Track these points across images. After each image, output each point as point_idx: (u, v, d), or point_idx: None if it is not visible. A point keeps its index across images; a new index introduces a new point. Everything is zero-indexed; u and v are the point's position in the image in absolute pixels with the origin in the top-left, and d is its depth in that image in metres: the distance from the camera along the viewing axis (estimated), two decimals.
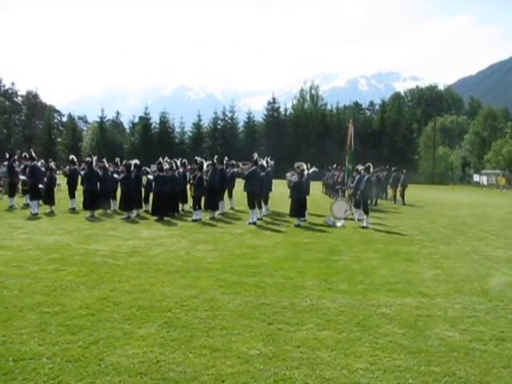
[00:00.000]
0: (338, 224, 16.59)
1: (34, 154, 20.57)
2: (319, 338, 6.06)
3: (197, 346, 5.72)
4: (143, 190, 18.96)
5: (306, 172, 17.07)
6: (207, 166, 18.40)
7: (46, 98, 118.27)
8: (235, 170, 21.46)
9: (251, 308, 7.14)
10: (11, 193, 21.32)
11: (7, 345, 5.67)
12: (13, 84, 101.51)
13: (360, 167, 18.37)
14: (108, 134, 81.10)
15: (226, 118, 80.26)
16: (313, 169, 19.49)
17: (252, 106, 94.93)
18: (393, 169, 30.62)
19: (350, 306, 7.37)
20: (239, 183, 20.06)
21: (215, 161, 18.74)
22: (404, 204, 26.70)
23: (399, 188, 28.21)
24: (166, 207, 17.33)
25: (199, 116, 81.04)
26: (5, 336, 5.92)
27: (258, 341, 5.90)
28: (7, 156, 23.85)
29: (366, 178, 17.05)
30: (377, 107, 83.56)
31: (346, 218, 17.36)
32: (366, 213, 16.64)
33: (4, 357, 5.34)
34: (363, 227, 16.13)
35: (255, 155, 17.77)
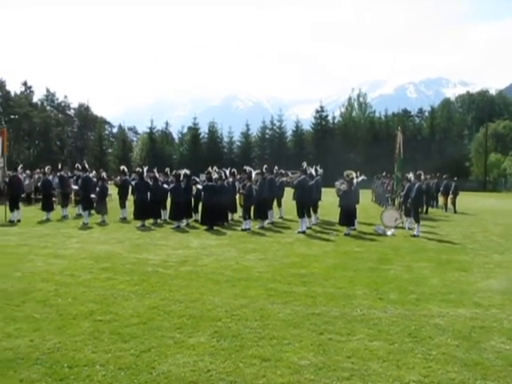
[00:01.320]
0: (388, 233, 16.38)
1: (86, 166, 21.02)
2: (370, 348, 5.98)
3: (247, 355, 5.71)
4: (193, 199, 19.11)
5: (355, 180, 16.92)
6: (256, 175, 18.41)
7: (97, 110, 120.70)
8: (284, 179, 21.41)
9: (301, 318, 7.10)
10: (64, 203, 21.81)
11: (62, 351, 5.79)
12: (65, 97, 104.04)
13: (410, 175, 18.12)
14: (157, 145, 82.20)
15: (274, 127, 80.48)
16: (362, 177, 19.32)
17: (300, 114, 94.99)
18: (443, 176, 30.04)
19: (402, 316, 7.25)
20: (288, 192, 20.03)
21: (264, 170, 18.74)
22: (455, 212, 26.15)
23: (450, 196, 27.64)
24: (216, 217, 17.41)
25: (247, 125, 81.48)
26: (60, 343, 6.05)
27: (309, 351, 5.86)
28: (60, 167, 24.47)
29: (416, 185, 16.81)
30: (426, 114, 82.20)
31: (396, 227, 17.11)
32: (417, 221, 16.38)
33: (59, 363, 5.45)
34: (414, 236, 15.87)
35: (304, 164, 17.70)
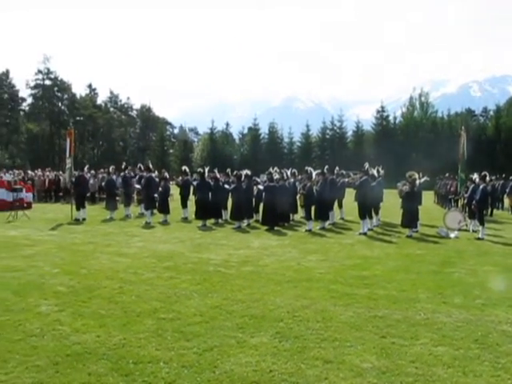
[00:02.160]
0: (452, 235, 16.03)
1: (151, 166, 21.41)
2: (435, 353, 5.86)
3: (309, 357, 5.69)
4: (254, 200, 19.20)
5: (417, 181, 16.65)
6: (317, 175, 18.33)
7: (159, 111, 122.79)
8: (346, 179, 21.25)
9: (363, 320, 7.03)
10: (127, 202, 22.26)
11: (127, 348, 5.91)
12: (128, 99, 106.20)
13: (475, 176, 17.69)
14: (218, 145, 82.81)
15: (335, 128, 79.93)
16: (424, 178, 18.98)
17: (360, 114, 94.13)
18: (510, 177, 29.20)
19: (467, 321, 7.07)
20: (349, 193, 19.87)
21: (325, 170, 18.65)
22: None
23: None
24: (276, 217, 17.43)
25: (307, 126, 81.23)
26: (125, 339, 6.18)
27: (371, 354, 5.80)
28: (123, 167, 25.00)
29: (481, 187, 16.39)
30: (491, 113, 79.77)
31: (459, 229, 16.72)
32: (482, 224, 15.97)
33: (125, 359, 5.57)
34: (478, 239, 15.48)
35: (366, 165, 17.52)
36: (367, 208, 16.87)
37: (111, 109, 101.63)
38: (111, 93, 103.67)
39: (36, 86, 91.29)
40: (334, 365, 5.48)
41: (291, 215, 19.46)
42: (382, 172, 20.21)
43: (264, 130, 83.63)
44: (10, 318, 6.97)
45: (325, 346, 6.04)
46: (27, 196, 25.77)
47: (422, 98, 78.09)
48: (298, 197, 19.76)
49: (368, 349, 5.95)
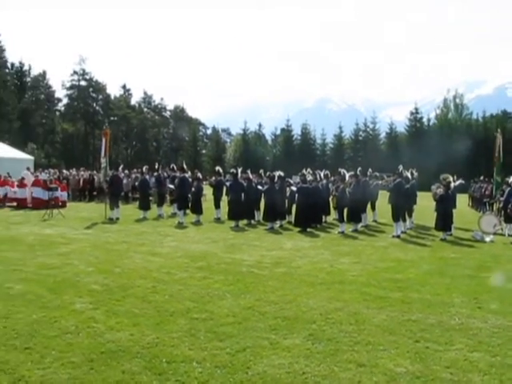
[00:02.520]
0: (487, 239, 15.78)
1: (185, 166, 21.54)
2: (470, 359, 5.76)
3: (342, 359, 5.66)
4: (286, 201, 19.17)
5: (452, 184, 16.45)
6: (350, 177, 18.23)
7: (192, 112, 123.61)
8: (380, 182, 21.09)
9: (397, 324, 6.97)
10: (160, 202, 22.42)
11: (160, 347, 5.95)
12: (162, 99, 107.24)
13: (511, 179, 17.41)
14: (250, 146, 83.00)
15: (368, 129, 79.53)
16: (459, 181, 18.75)
17: (394, 116, 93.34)
18: None
19: (504, 327, 6.94)
20: (383, 195, 19.73)
21: (358, 172, 18.53)
22: None
23: None
24: (309, 219, 17.38)
25: (340, 127, 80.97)
26: (158, 338, 6.22)
27: (405, 358, 5.73)
28: (157, 167, 25.22)
29: None
30: None
31: (495, 233, 16.46)
32: None
33: (158, 358, 5.61)
34: None
35: (400, 167, 17.37)
36: (401, 210, 16.71)
37: (145, 109, 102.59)
38: (145, 93, 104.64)
39: (71, 87, 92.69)
40: (368, 368, 5.43)
41: (324, 217, 19.39)
42: (415, 174, 20.02)
43: (297, 131, 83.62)
44: (46, 314, 7.08)
45: (358, 349, 6.00)
46: (62, 195, 26.16)
47: (457, 100, 77.06)
48: (330, 198, 19.67)
49: (402, 353, 5.89)
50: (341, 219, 17.30)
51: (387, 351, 5.94)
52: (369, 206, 19.77)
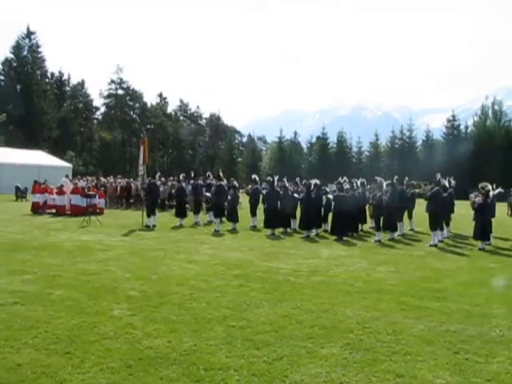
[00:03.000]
0: None
1: (221, 174, 21.64)
2: None
3: (380, 369, 5.60)
4: (323, 209, 19.10)
5: (491, 193, 16.18)
6: (387, 185, 18.08)
7: (228, 120, 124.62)
8: (417, 190, 20.86)
9: (435, 334, 6.86)
10: (196, 210, 22.56)
11: (198, 354, 5.98)
12: (198, 107, 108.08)
13: None
14: (286, 154, 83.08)
15: (404, 137, 78.89)
16: (498, 189, 18.44)
17: (430, 123, 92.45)
18: None
19: None
20: (419, 204, 19.53)
21: (395, 181, 18.37)
22: None
23: None
24: (346, 227, 17.29)
25: (376, 135, 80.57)
26: (195, 345, 6.25)
27: (444, 370, 5.64)
28: (193, 175, 25.39)
29: None
30: None
31: None
32: None
33: (195, 365, 5.63)
34: None
35: (438, 175, 17.15)
36: (439, 219, 16.51)
37: (181, 117, 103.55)
38: (181, 102, 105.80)
39: (109, 96, 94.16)
40: (406, 379, 5.36)
41: (360, 225, 19.26)
42: (453, 182, 19.78)
43: (332, 139, 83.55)
44: (85, 320, 7.18)
45: (396, 359, 5.93)
46: (100, 202, 26.55)
47: (495, 107, 75.79)
48: (367, 207, 19.55)
49: (441, 364, 5.80)
50: (377, 228, 17.17)
51: (426, 362, 5.85)
52: (405, 214, 19.57)
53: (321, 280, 10.34)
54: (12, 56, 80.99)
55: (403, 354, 6.11)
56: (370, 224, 20.04)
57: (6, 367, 5.49)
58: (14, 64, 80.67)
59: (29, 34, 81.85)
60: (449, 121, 75.68)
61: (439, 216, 16.49)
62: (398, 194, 17.93)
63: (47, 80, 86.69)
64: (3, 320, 7.13)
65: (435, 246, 15.73)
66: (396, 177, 19.06)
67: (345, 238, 16.99)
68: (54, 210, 26.60)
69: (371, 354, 6.06)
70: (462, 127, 75.40)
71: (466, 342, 6.60)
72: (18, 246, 14.42)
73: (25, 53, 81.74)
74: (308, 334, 6.74)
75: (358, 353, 6.10)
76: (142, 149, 21.57)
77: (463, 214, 21.18)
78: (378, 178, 18.83)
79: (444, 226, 17.58)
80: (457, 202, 19.94)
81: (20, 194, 39.81)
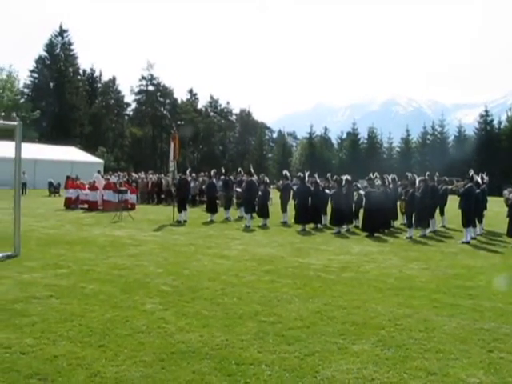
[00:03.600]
0: None
1: (252, 170, 21.68)
2: None
3: (412, 367, 5.56)
4: (354, 205, 19.02)
5: None
6: (419, 182, 17.90)
7: (258, 116, 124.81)
8: (450, 187, 20.62)
9: (468, 332, 6.79)
10: (227, 205, 22.63)
11: (229, 348, 6.01)
12: (228, 103, 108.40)
13: None
14: (316, 150, 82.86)
15: (436, 133, 78.06)
16: None
17: (462, 119, 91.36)
18: None
19: None
20: (451, 200, 19.33)
21: (427, 177, 18.19)
22: None
23: None
24: (377, 223, 17.19)
25: (407, 131, 79.85)
26: (227, 340, 6.28)
27: (478, 368, 5.57)
28: (223, 171, 25.47)
29: None
30: None
31: None
32: None
33: (227, 359, 5.66)
34: None
35: (471, 171, 16.92)
36: (472, 216, 16.31)
37: (211, 113, 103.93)
38: (211, 98, 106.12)
39: (140, 92, 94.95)
40: (439, 377, 5.31)
41: (391, 222, 19.12)
42: (486, 179, 19.51)
43: (363, 135, 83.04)
44: (118, 314, 7.26)
45: (428, 356, 5.89)
46: (131, 197, 26.77)
47: None
48: (398, 203, 19.40)
49: (474, 363, 5.73)
50: (409, 224, 17.02)
51: (459, 360, 5.79)
52: (437, 211, 19.38)
53: (352, 276, 10.31)
54: (45, 54, 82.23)
55: (435, 351, 6.06)
56: (401, 220, 19.89)
57: (43, 358, 5.60)
58: (48, 62, 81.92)
59: (61, 32, 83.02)
60: (481, 116, 74.57)
61: (472, 213, 16.29)
62: (430, 190, 17.77)
63: (79, 77, 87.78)
64: (39, 313, 7.26)
65: (468, 243, 15.55)
66: (428, 173, 18.89)
67: (376, 235, 16.89)
68: (86, 206, 26.91)
69: (403, 351, 6.03)
70: (495, 122, 74.15)
71: (500, 340, 6.52)
72: (51, 240, 14.64)
73: (58, 50, 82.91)
74: (339, 330, 6.73)
75: (389, 350, 6.07)
76: (172, 145, 21.71)
77: (496, 210, 20.90)
78: (409, 174, 18.68)
79: (477, 222, 17.36)
80: (490, 199, 19.68)
81: (53, 189, 40.38)
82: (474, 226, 16.92)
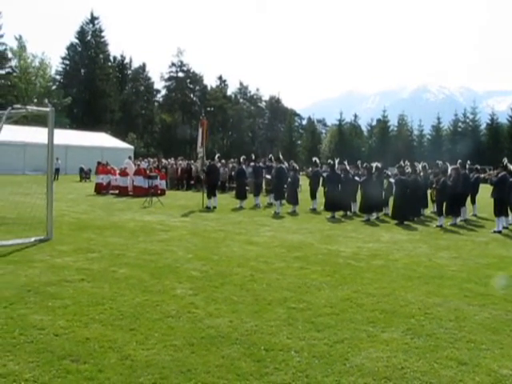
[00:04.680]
0: None
1: (281, 157, 21.65)
2: None
3: (442, 356, 5.51)
4: (383, 193, 18.88)
5: None
6: (451, 170, 17.67)
7: (287, 102, 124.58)
8: (482, 175, 20.34)
9: (500, 323, 6.70)
10: (256, 192, 22.65)
11: (259, 334, 6.03)
12: (257, 90, 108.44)
13: None
14: (346, 137, 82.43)
15: (467, 120, 77.05)
16: None
17: (495, 106, 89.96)
18: None
19: None
20: (483, 189, 19.08)
21: (458, 165, 17.98)
22: None
23: None
24: (407, 211, 17.04)
25: (438, 118, 78.96)
26: (256, 326, 6.30)
27: (510, 359, 5.48)
28: (253, 157, 25.48)
29: None
30: None
31: None
32: None
33: (256, 345, 5.68)
34: None
35: (505, 160, 16.63)
36: (504, 205, 16.07)
37: (241, 100, 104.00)
38: (241, 84, 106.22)
39: (170, 79, 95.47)
40: (470, 367, 5.25)
41: (422, 210, 18.94)
42: None
43: (393, 122, 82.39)
44: (148, 298, 7.33)
45: (459, 346, 5.83)
46: (161, 183, 26.99)
47: None
48: (429, 191, 19.20)
49: (506, 354, 5.64)
50: (440, 212, 16.84)
51: (490, 351, 5.72)
52: (468, 199, 19.13)
53: (381, 264, 10.25)
54: (77, 41, 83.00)
55: (466, 341, 6.00)
56: (431, 208, 19.70)
57: (76, 340, 5.68)
58: (79, 49, 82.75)
59: (92, 19, 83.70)
60: None
61: (505, 202, 16.05)
62: (462, 178, 17.55)
63: (110, 64, 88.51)
64: (71, 296, 7.37)
65: (499, 232, 15.34)
66: (459, 161, 18.66)
67: (406, 222, 16.75)
68: (116, 191, 27.20)
69: (433, 341, 5.98)
70: None
71: None
72: (82, 225, 14.83)
73: (89, 38, 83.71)
74: (369, 318, 6.70)
75: (419, 338, 6.03)
76: (200, 131, 21.75)
77: None
78: (440, 162, 18.47)
79: (509, 212, 17.10)
80: None
81: (84, 175, 40.85)
82: (507, 216, 16.67)
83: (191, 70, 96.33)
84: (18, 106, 14.04)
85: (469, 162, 20.51)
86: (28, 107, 14.25)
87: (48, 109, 12.98)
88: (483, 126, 76.88)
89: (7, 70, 74.26)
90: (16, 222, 14.20)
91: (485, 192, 17.71)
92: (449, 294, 8.01)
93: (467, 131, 75.65)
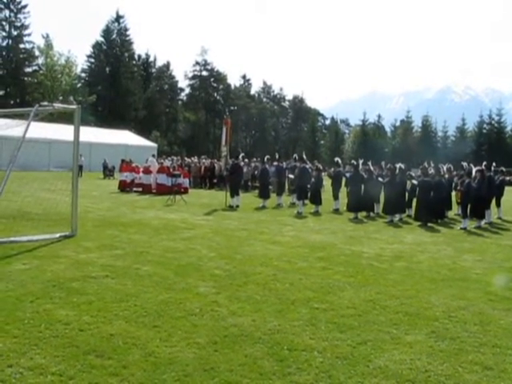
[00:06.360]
0: None
1: (304, 157, 21.63)
2: None
3: (467, 360, 5.46)
4: (407, 194, 18.76)
5: None
6: (476, 172, 17.50)
7: (311, 102, 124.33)
8: (506, 177, 20.13)
9: None
10: (279, 191, 22.65)
11: (281, 334, 6.03)
12: (281, 89, 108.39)
13: None
14: (369, 137, 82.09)
15: (493, 122, 76.24)
16: None
17: None
18: None
19: None
20: (509, 192, 18.87)
21: (483, 167, 17.80)
22: None
23: None
24: (430, 213, 16.91)
25: (463, 120, 78.34)
26: (279, 325, 6.30)
27: None
28: (277, 157, 25.47)
29: None
30: None
31: None
32: None
33: (279, 344, 5.68)
34: None
35: None
36: None
37: (264, 99, 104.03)
38: (264, 83, 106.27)
39: (194, 77, 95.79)
40: (495, 372, 5.19)
41: (446, 212, 18.79)
42: None
43: (417, 123, 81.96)
44: (171, 296, 7.37)
45: (484, 350, 5.77)
46: (184, 181, 27.09)
47: None
48: (454, 193, 19.03)
49: None
50: (464, 215, 16.69)
51: None
52: (493, 202, 18.93)
53: (405, 266, 10.19)
54: (102, 39, 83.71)
55: (491, 346, 5.93)
56: (455, 211, 19.53)
57: (100, 336, 5.74)
58: (104, 47, 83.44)
59: (118, 17, 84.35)
60: None
61: None
62: (487, 181, 17.38)
63: (134, 62, 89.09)
64: (95, 292, 7.44)
65: None
66: (484, 163, 18.49)
67: (429, 224, 16.63)
68: (140, 189, 27.32)
69: (457, 344, 5.93)
70: None
71: None
72: (106, 222, 14.93)
73: (114, 36, 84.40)
74: (392, 320, 6.67)
75: (443, 342, 5.98)
76: (224, 130, 21.82)
77: None
78: (465, 164, 18.31)
79: None
80: None
81: (108, 172, 41.16)
82: None
83: (215, 69, 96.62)
84: (45, 103, 14.18)
85: (494, 164, 20.31)
86: (55, 104, 14.42)
87: (74, 106, 13.12)
88: (509, 128, 76.07)
89: (34, 67, 75.34)
90: (42, 217, 14.40)
91: (510, 195, 17.52)
92: (473, 298, 7.94)
93: (492, 133, 74.95)
